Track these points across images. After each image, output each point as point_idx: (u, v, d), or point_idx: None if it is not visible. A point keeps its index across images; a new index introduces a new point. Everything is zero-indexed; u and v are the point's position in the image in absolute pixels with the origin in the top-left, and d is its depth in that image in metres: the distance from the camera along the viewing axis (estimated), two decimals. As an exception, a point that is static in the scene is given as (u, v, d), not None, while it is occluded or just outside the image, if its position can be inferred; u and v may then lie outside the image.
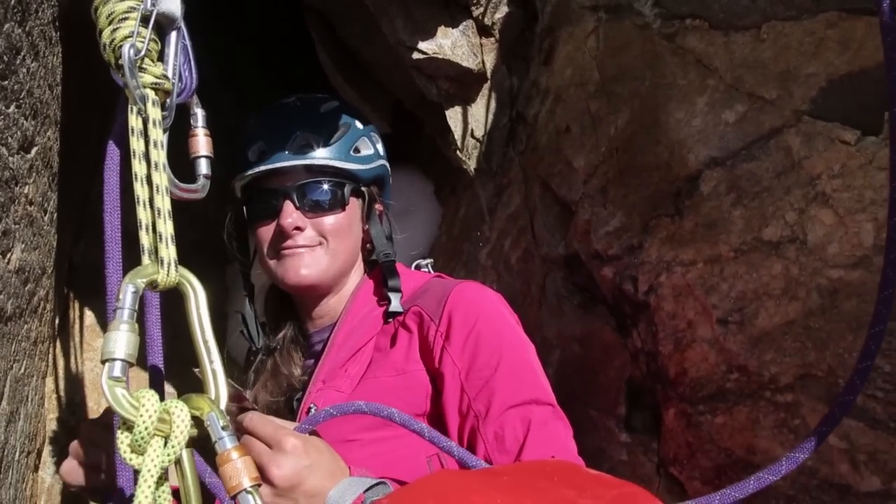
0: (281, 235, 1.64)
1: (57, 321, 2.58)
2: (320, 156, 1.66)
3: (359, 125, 1.81)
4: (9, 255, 1.64)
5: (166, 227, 1.00)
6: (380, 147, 1.89)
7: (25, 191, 1.73)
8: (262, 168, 1.63)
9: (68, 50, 2.03)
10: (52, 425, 2.48)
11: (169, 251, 0.98)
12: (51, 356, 2.50)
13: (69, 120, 2.20)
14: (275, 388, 1.76)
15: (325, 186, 1.66)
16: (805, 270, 1.76)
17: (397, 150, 2.24)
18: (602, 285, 2.37)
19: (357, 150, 1.77)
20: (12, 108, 1.53)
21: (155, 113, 1.12)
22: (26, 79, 1.60)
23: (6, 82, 1.45)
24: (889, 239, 1.48)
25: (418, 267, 1.98)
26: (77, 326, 2.83)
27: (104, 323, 3.04)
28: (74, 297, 2.85)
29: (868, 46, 1.73)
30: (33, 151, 1.76)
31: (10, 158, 1.56)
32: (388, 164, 1.92)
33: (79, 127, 2.47)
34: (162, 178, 1.05)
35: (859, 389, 1.15)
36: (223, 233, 1.84)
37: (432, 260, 1.95)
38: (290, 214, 1.61)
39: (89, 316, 2.94)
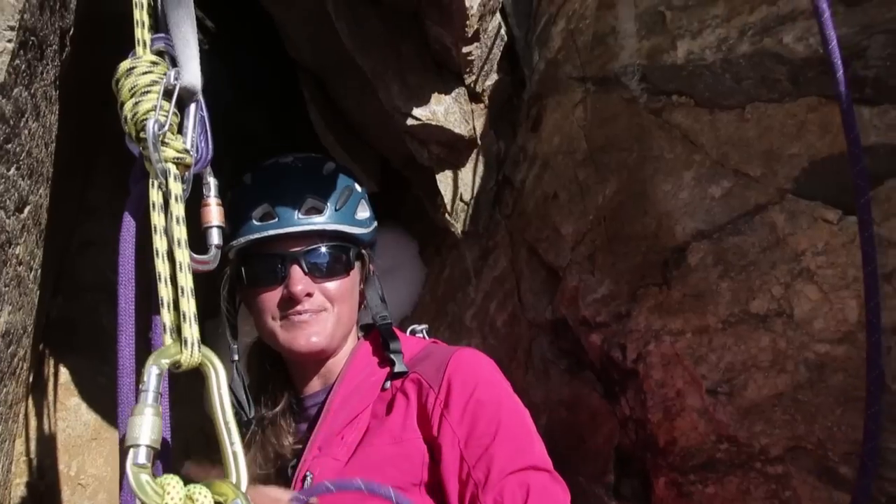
0: (289, 301, 1.61)
1: (31, 378, 2.50)
2: (329, 221, 1.65)
3: (358, 188, 1.82)
4: (-4, 318, 1.60)
5: (189, 306, 0.99)
6: (371, 211, 1.91)
7: (17, 251, 1.70)
8: (272, 232, 1.61)
9: (64, 107, 2.03)
10: (18, 490, 2.38)
11: (192, 331, 0.97)
12: (22, 416, 2.41)
13: (58, 175, 2.18)
14: (265, 458, 1.72)
15: (333, 252, 1.65)
16: (792, 344, 1.81)
17: (382, 207, 2.25)
18: (590, 351, 2.39)
19: (358, 214, 1.78)
20: (12, 170, 1.51)
21: (176, 188, 1.12)
22: (27, 140, 1.59)
23: (9, 145, 1.45)
24: (869, 322, 1.55)
25: (413, 332, 1.97)
26: (51, 384, 2.75)
27: (78, 381, 2.96)
28: (49, 353, 2.77)
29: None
30: (26, 211, 1.74)
31: (7, 220, 1.54)
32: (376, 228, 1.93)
33: (65, 180, 2.45)
34: (184, 254, 1.05)
35: (873, 471, 1.18)
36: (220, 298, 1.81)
37: (427, 326, 1.95)
38: (300, 281, 1.59)
39: (63, 373, 2.85)
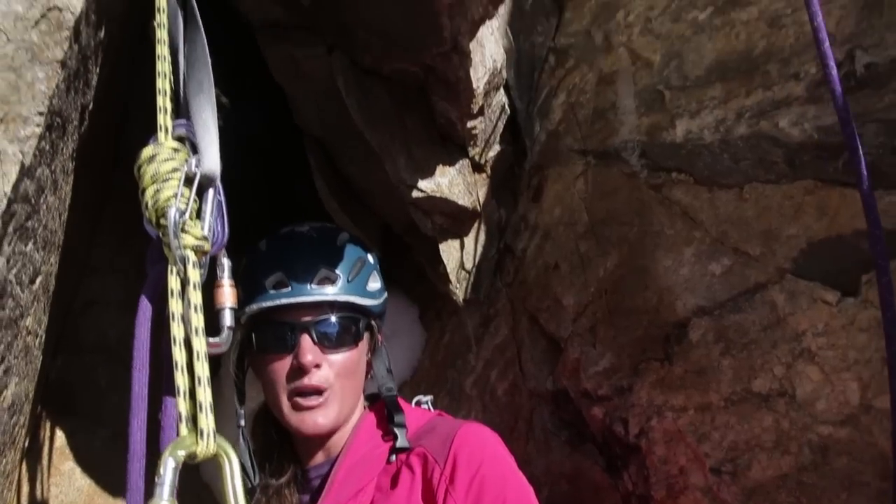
0: (297, 371, 1.62)
1: (27, 443, 2.47)
2: (342, 292, 1.66)
3: (370, 259, 1.83)
4: (4, 393, 1.60)
5: (206, 396, 1.00)
6: (381, 281, 1.93)
7: (27, 322, 1.71)
8: (285, 301, 1.62)
9: (77, 176, 2.07)
10: (6, 561, 2.32)
11: (209, 421, 0.98)
12: (16, 483, 2.38)
13: (67, 240, 2.21)
14: None
15: (343, 322, 1.66)
16: (795, 425, 1.82)
17: (383, 271, 2.27)
18: (591, 424, 2.39)
19: (369, 285, 1.80)
20: (29, 245, 1.54)
21: (195, 275, 1.14)
22: (44, 214, 1.62)
23: (29, 223, 1.47)
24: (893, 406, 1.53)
25: (418, 403, 1.96)
26: (46, 448, 2.71)
27: (74, 444, 2.93)
28: (46, 416, 2.74)
29: (843, 214, 1.87)
30: (38, 281, 1.76)
31: (21, 294, 1.55)
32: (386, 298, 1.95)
33: (72, 243, 2.48)
34: (202, 343, 1.06)
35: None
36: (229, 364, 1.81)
37: (432, 397, 1.95)
38: (310, 351, 1.60)
39: (59, 437, 2.82)
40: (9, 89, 1.26)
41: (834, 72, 1.56)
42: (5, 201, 1.24)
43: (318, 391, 1.64)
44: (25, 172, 1.32)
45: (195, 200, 1.25)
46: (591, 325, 2.44)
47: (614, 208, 2.47)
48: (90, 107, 1.90)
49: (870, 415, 1.71)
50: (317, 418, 1.60)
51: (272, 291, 1.65)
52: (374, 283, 1.81)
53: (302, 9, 2.05)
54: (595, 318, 2.43)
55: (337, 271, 1.68)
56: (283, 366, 1.65)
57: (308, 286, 1.64)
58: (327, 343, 1.64)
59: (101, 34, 1.69)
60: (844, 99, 1.64)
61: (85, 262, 3.22)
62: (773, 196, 2.01)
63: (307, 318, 1.64)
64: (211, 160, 1.28)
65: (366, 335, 1.76)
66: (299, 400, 1.60)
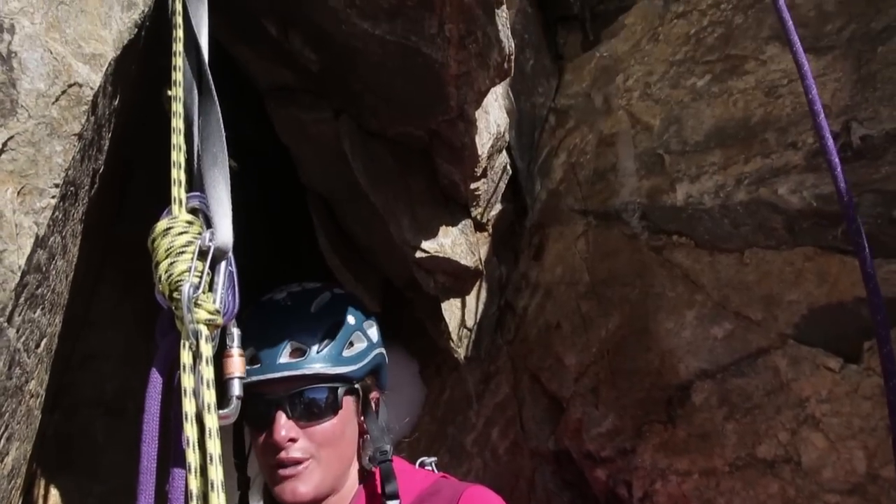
0: (274, 446, 1.61)
1: (21, 502, 2.43)
2: (312, 364, 1.63)
3: (351, 320, 1.79)
4: (5, 460, 1.59)
5: (217, 474, 0.99)
6: (375, 335, 1.89)
7: (30, 386, 1.71)
8: (254, 378, 1.61)
9: (85, 237, 2.08)
10: None
11: (220, 500, 0.97)
12: (6, 544, 2.33)
13: (71, 299, 2.21)
14: None
15: (318, 395, 1.63)
16: (802, 493, 1.80)
17: (383, 326, 2.26)
18: (594, 485, 2.36)
19: (351, 346, 1.78)
20: (38, 311, 1.55)
21: (207, 350, 1.14)
22: (53, 279, 1.63)
23: (39, 290, 1.48)
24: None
25: (422, 464, 1.94)
26: (39, 506, 2.66)
27: (69, 502, 2.87)
28: (41, 473, 2.70)
29: (843, 282, 1.89)
30: (42, 344, 1.76)
31: (28, 360, 1.56)
32: (384, 351, 1.93)
33: (74, 300, 2.48)
34: (213, 420, 1.06)
35: None
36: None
37: (436, 458, 1.93)
38: (283, 427, 1.57)
39: (53, 494, 2.77)
40: (27, 163, 1.28)
41: (831, 143, 1.59)
42: (19, 274, 1.25)
43: (297, 462, 1.63)
44: (39, 243, 1.33)
45: (208, 273, 1.26)
46: (593, 385, 2.43)
47: (616, 269, 2.49)
48: (101, 170, 1.93)
49: (877, 484, 1.70)
50: (296, 486, 1.57)
51: (247, 368, 1.64)
52: (360, 343, 1.78)
53: (310, 74, 2.10)
54: (597, 378, 2.43)
55: (307, 342, 1.65)
56: (264, 439, 1.63)
57: (277, 361, 1.60)
58: (303, 417, 1.60)
59: (116, 102, 1.73)
60: (843, 172, 1.68)
61: (85, 315, 3.21)
62: (774, 262, 2.04)
63: (280, 393, 1.61)
64: (224, 233, 1.30)
65: (348, 400, 1.72)
66: (280, 471, 1.58)
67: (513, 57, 1.83)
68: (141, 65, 1.87)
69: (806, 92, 1.74)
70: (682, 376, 2.16)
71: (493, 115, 2.29)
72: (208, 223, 1.34)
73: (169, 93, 1.58)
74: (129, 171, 3.11)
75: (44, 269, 1.44)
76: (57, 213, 1.41)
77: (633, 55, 2.88)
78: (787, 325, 1.96)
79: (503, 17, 1.69)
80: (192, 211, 1.35)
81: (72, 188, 1.50)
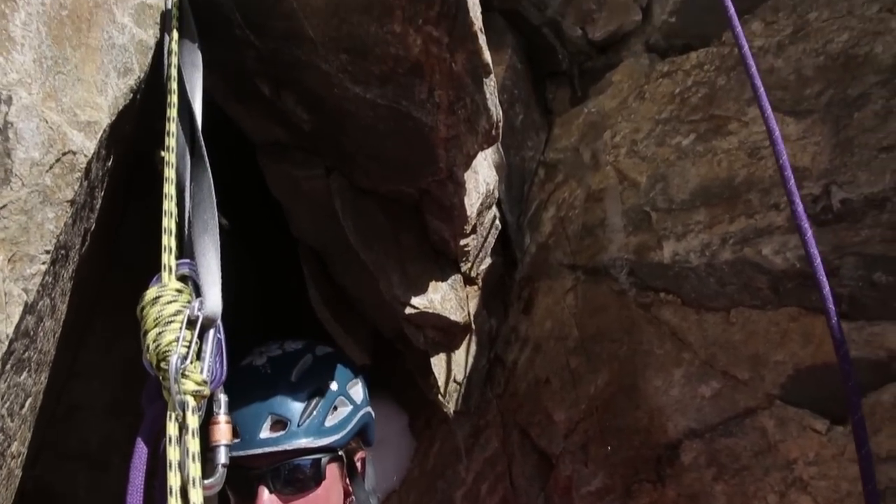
0: None
1: (-3, 562, 2.37)
2: (294, 439, 1.60)
3: (334, 386, 1.76)
4: (-14, 523, 1.56)
5: (200, 549, 0.99)
6: (360, 394, 1.87)
7: (12, 448, 1.69)
8: (235, 454, 1.58)
9: (74, 295, 2.08)
10: None
11: (203, 577, 0.97)
12: None
13: (57, 355, 2.20)
14: None
15: (299, 467, 1.60)
16: (791, 557, 1.79)
17: (372, 376, 2.25)
18: (584, 546, 2.34)
19: (335, 411, 1.75)
20: (23, 374, 1.54)
21: (193, 422, 1.15)
22: (41, 340, 1.63)
23: (26, 354, 1.48)
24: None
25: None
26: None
27: (46, 561, 2.80)
28: (20, 530, 2.64)
29: (827, 343, 1.90)
30: (27, 405, 1.74)
31: (11, 424, 1.54)
32: (370, 409, 1.91)
33: (61, 356, 2.46)
34: (199, 495, 1.06)
35: None
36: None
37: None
38: (266, 501, 1.54)
39: (32, 552, 2.70)
40: (19, 231, 1.29)
41: (801, 208, 1.62)
42: (7, 343, 1.25)
43: None
44: (28, 310, 1.33)
45: (196, 342, 1.27)
46: (582, 442, 2.42)
47: (604, 325, 2.51)
48: (92, 228, 1.94)
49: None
50: None
51: None
52: (345, 407, 1.75)
53: (303, 132, 2.13)
54: (587, 435, 2.42)
55: (288, 414, 1.62)
56: None
57: (258, 436, 1.58)
58: (286, 490, 1.57)
59: (110, 163, 1.75)
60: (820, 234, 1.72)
61: (71, 366, 3.19)
62: (760, 321, 2.06)
63: (262, 467, 1.58)
64: (213, 302, 1.31)
65: (332, 467, 1.69)
66: None
67: (500, 124, 1.87)
68: (135, 125, 1.90)
69: (777, 157, 1.79)
70: (671, 435, 2.16)
71: (482, 175, 2.33)
72: (197, 290, 1.35)
73: (162, 154, 1.60)
74: (122, 218, 3.12)
75: (31, 333, 1.44)
76: (47, 277, 1.42)
77: (620, 112, 2.95)
78: (774, 386, 1.97)
79: (491, 86, 1.74)
80: (182, 278, 1.37)
81: (63, 251, 1.51)
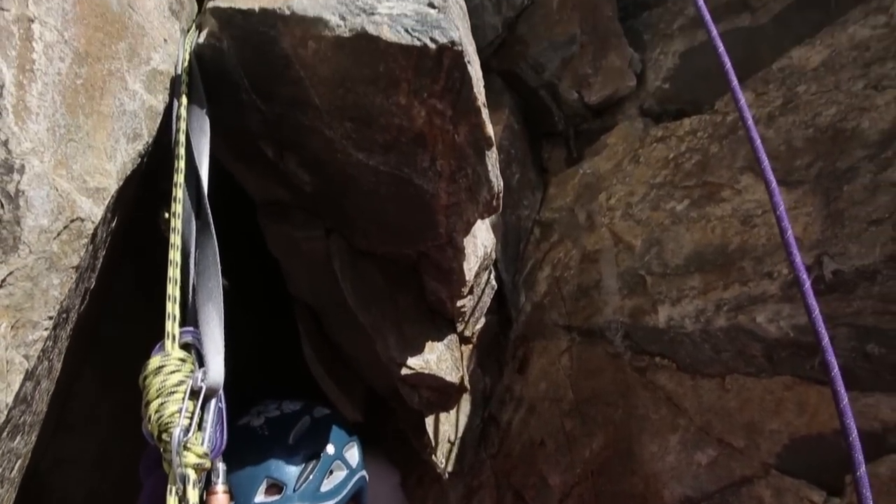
0: None
1: None
2: (289, 503, 1.61)
3: (331, 449, 1.77)
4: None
5: None
6: (356, 457, 1.86)
7: (-1, 510, 1.66)
8: None
9: (70, 351, 2.07)
10: None
11: None
12: None
13: (49, 411, 2.17)
14: None
15: None
16: None
17: (365, 433, 2.23)
18: None
19: (331, 475, 1.74)
20: (17, 438, 1.52)
21: (194, 496, 1.14)
22: (37, 402, 1.62)
23: (23, 418, 1.47)
24: None
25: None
26: None
27: None
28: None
29: (822, 413, 1.92)
30: (16, 467, 1.72)
31: (0, 490, 1.52)
32: (365, 473, 1.90)
33: (53, 410, 2.43)
34: (197, 568, 1.05)
35: None
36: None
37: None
38: None
39: None
40: (24, 297, 1.30)
41: (808, 286, 1.65)
42: (6, 412, 1.25)
43: None
44: (28, 376, 1.33)
45: (198, 413, 1.27)
46: (577, 507, 2.40)
47: (600, 388, 2.51)
48: (92, 287, 1.95)
49: None
50: None
51: None
52: (339, 473, 1.75)
53: (304, 193, 2.16)
54: (582, 500, 2.40)
55: (285, 478, 1.63)
56: None
57: (252, 500, 1.58)
58: None
59: (114, 224, 1.77)
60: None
61: (59, 418, 3.14)
62: (755, 389, 2.07)
63: None
64: (216, 372, 1.31)
65: None
66: None
67: (501, 195, 1.91)
68: (140, 187, 1.92)
69: (781, 233, 1.82)
70: (668, 502, 2.14)
71: (480, 238, 2.36)
72: (200, 359, 1.36)
73: (166, 215, 1.63)
74: (118, 269, 3.12)
75: (29, 398, 1.44)
76: (48, 342, 1.42)
77: (615, 174, 3.00)
78: (770, 455, 1.97)
79: (493, 158, 1.78)
80: (185, 346, 1.37)
81: (64, 315, 1.52)
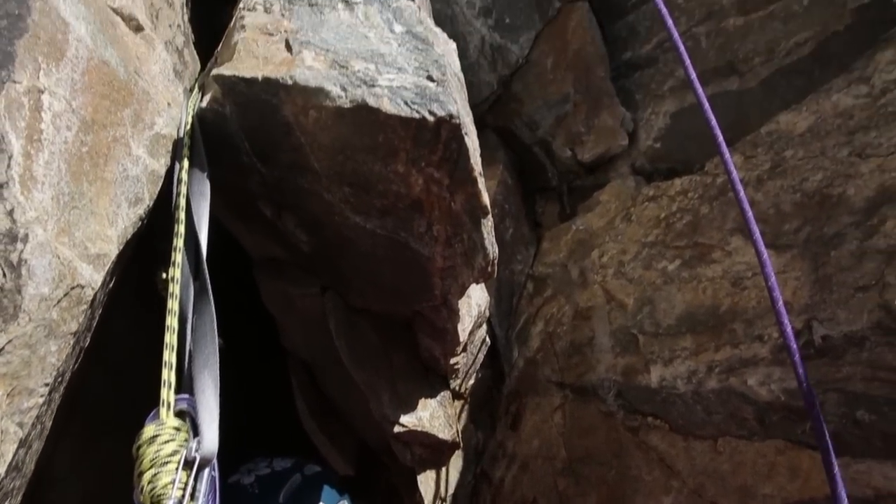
0: None
1: None
2: None
3: None
4: None
5: None
6: None
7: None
8: None
9: (60, 409, 2.06)
10: None
11: None
12: None
13: (35, 471, 2.15)
14: None
15: None
16: None
17: (356, 487, 2.21)
18: None
19: None
20: (5, 502, 1.51)
21: (184, 568, 1.13)
22: (27, 465, 1.61)
23: (13, 483, 1.46)
24: None
25: None
26: None
27: None
28: None
29: (815, 478, 1.92)
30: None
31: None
32: None
33: (38, 469, 2.41)
34: None
35: None
36: None
37: None
38: None
39: None
40: (21, 365, 1.31)
41: (797, 357, 1.67)
42: None
43: None
44: (22, 444, 1.33)
45: (192, 483, 1.27)
46: (570, 570, 2.38)
47: (593, 447, 2.51)
48: (87, 346, 1.95)
49: None
50: None
51: None
52: None
53: (301, 252, 2.19)
54: (575, 563, 2.38)
55: None
56: None
57: None
58: None
59: (111, 285, 1.79)
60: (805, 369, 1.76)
61: (44, 473, 3.09)
62: (747, 452, 2.07)
63: None
64: (210, 442, 1.31)
65: None
66: None
67: (496, 262, 1.94)
68: (138, 248, 1.94)
69: (772, 302, 1.85)
70: (661, 568, 2.12)
71: (475, 298, 2.39)
72: (195, 427, 1.36)
73: (164, 275, 1.64)
74: (109, 321, 3.11)
75: (21, 465, 1.43)
76: (43, 408, 1.42)
77: (608, 232, 3.05)
78: (764, 523, 1.97)
79: (488, 226, 1.82)
80: (180, 413, 1.38)
81: (60, 378, 1.52)
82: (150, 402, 1.30)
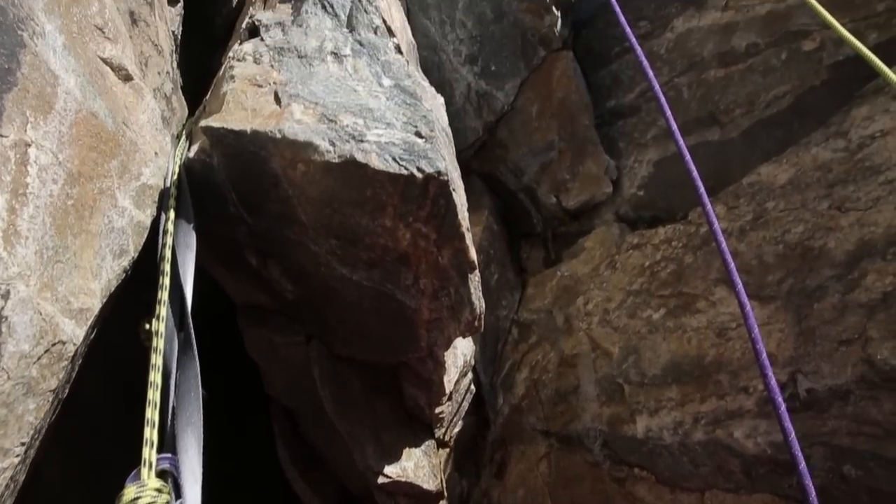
0: None
1: None
2: None
3: None
4: None
5: None
6: None
7: None
8: None
9: (40, 451, 2.01)
10: None
11: None
12: None
13: None
14: None
15: None
16: None
17: None
18: None
19: None
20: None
21: None
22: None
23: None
24: None
25: None
26: None
27: None
28: None
29: (804, 534, 1.91)
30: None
31: None
32: None
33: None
34: None
35: None
36: None
37: None
38: None
39: None
40: (-2, 425, 1.28)
41: (783, 410, 1.67)
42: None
43: None
44: (-4, 507, 1.29)
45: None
46: None
47: (579, 497, 2.48)
48: (64, 397, 1.91)
49: None
50: None
51: None
52: None
53: (286, 300, 2.17)
54: None
55: None
56: None
57: None
58: None
59: (92, 336, 1.76)
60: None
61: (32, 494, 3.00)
62: (734, 508, 2.06)
63: None
64: (193, 503, 1.29)
65: None
66: None
67: (483, 316, 1.94)
68: (120, 297, 1.92)
69: (756, 355, 1.85)
70: None
71: (460, 348, 2.38)
72: (177, 487, 1.33)
73: (147, 326, 1.62)
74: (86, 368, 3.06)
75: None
76: (18, 468, 1.38)
77: (593, 279, 3.06)
78: (753, 577, 1.95)
79: (475, 281, 1.82)
80: (161, 473, 1.35)
81: (37, 436, 1.48)
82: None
